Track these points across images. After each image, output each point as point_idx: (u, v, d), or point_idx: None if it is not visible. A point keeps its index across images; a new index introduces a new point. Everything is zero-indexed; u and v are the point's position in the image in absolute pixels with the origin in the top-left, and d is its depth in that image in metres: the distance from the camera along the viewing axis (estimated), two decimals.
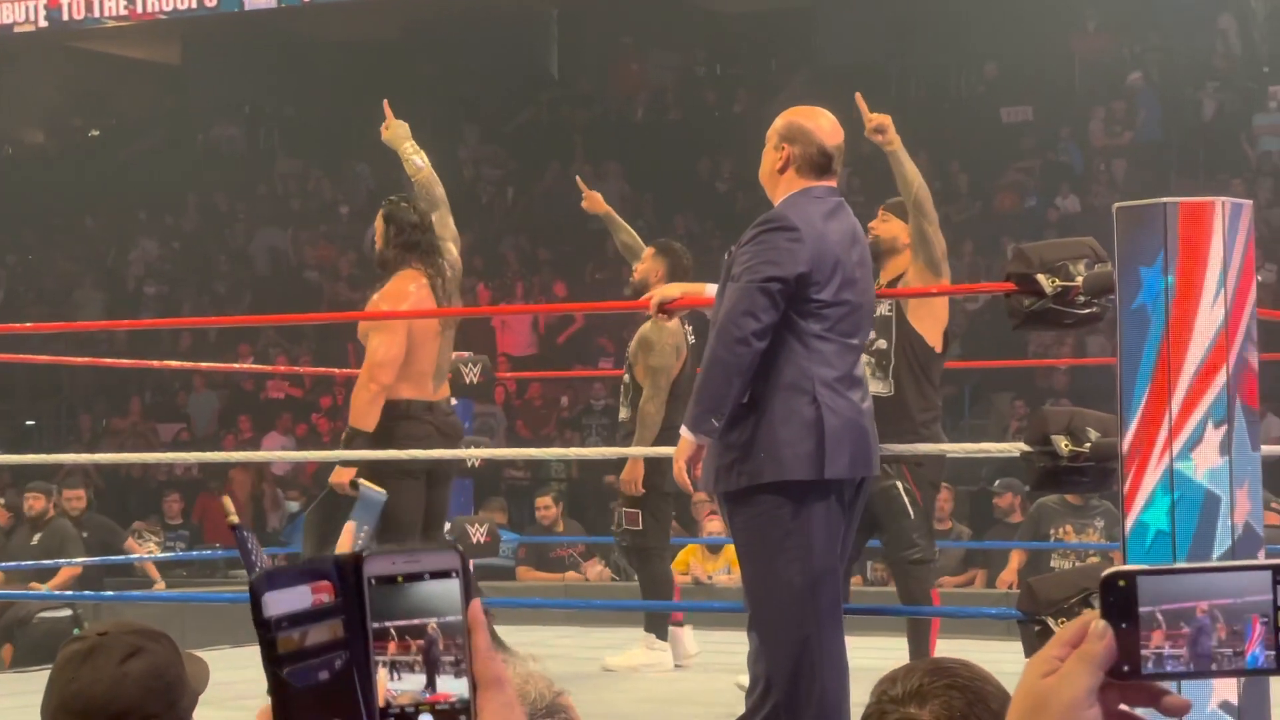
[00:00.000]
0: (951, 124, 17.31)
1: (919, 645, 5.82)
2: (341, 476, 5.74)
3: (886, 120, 5.37)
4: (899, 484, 5.68)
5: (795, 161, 4.25)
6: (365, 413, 5.73)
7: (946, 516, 10.30)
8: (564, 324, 16.18)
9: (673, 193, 17.71)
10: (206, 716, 2.41)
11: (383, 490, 5.69)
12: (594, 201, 7.16)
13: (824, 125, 4.28)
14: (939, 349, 5.72)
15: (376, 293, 5.96)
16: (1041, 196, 16.27)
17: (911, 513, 5.71)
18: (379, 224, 5.96)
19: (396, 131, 6.17)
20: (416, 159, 6.09)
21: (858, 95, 5.42)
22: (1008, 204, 16.52)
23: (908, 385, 5.64)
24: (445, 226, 6.07)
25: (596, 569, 10.66)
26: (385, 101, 6.22)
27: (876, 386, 5.55)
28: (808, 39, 19.62)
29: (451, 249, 6.05)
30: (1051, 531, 9.11)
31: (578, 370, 14.62)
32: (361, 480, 5.68)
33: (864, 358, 5.54)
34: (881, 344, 5.66)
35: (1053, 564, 8.99)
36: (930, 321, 5.67)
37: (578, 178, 7.47)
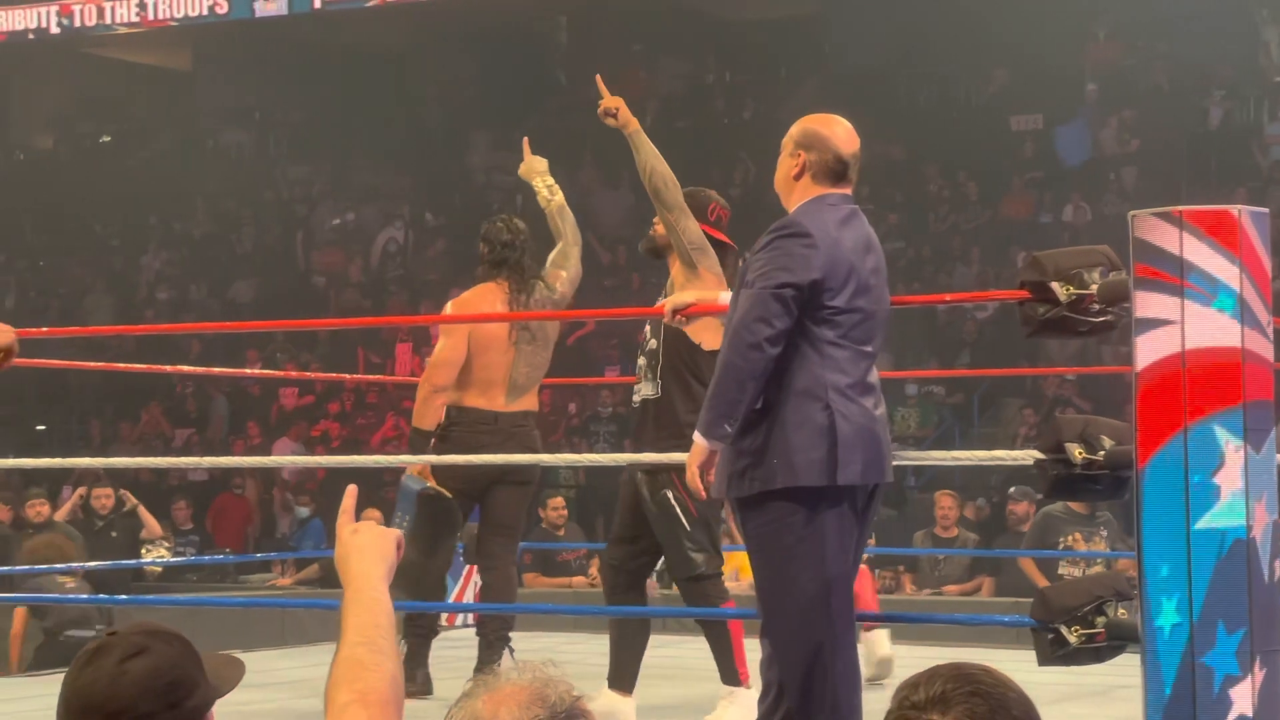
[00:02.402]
0: (961, 131, 17.31)
1: (723, 657, 5.41)
2: (415, 470, 6.02)
3: (618, 102, 5.29)
4: (669, 493, 5.36)
5: (811, 168, 4.25)
6: (420, 411, 6.00)
7: (953, 524, 10.30)
8: (571, 329, 16.18)
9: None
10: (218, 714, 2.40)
11: (421, 480, 5.90)
12: None
13: (840, 133, 4.28)
14: (706, 346, 5.32)
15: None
16: (1051, 204, 16.26)
17: (686, 524, 5.36)
18: (481, 243, 6.26)
19: (532, 166, 6.33)
20: (545, 192, 6.24)
21: (597, 77, 5.42)
22: (1016, 212, 16.51)
23: (673, 386, 5.35)
24: (566, 258, 6.30)
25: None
26: (525, 140, 6.34)
27: (647, 389, 5.42)
28: (818, 47, 19.63)
29: (562, 275, 6.23)
30: (1060, 540, 9.11)
31: (586, 378, 14.62)
32: (408, 471, 5.98)
33: (641, 359, 5.54)
34: (653, 344, 5.48)
35: (1060, 572, 9.01)
36: (702, 320, 5.25)
37: None
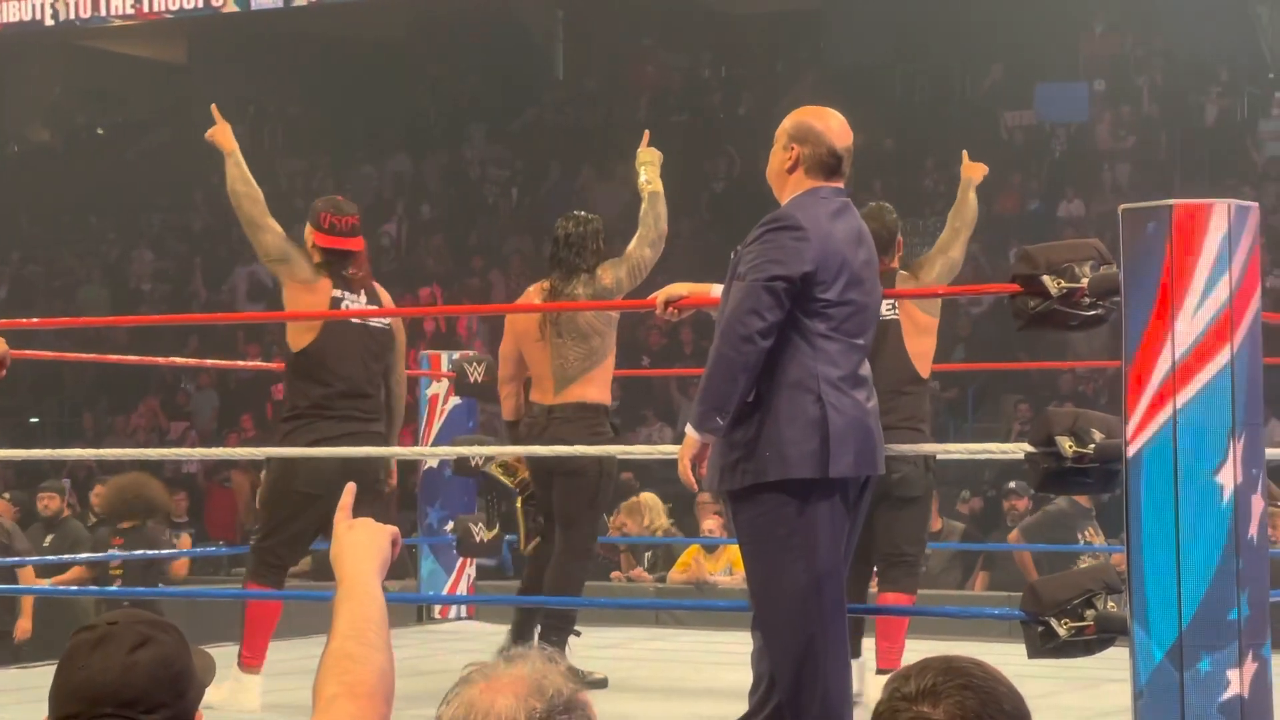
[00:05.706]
0: (957, 126, 17.31)
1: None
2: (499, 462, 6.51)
3: (217, 131, 5.75)
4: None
5: (804, 162, 4.25)
6: (502, 404, 6.46)
7: (935, 515, 10.25)
8: None
9: (677, 194, 17.65)
10: (208, 710, 2.41)
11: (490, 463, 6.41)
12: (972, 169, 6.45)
13: (834, 126, 4.28)
14: (294, 348, 5.82)
15: None
16: (1045, 200, 16.27)
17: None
18: None
19: (639, 156, 6.40)
20: (643, 178, 6.32)
21: (213, 106, 5.85)
22: (1011, 207, 16.52)
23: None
24: (628, 249, 6.28)
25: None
26: (646, 132, 6.42)
27: None
28: (814, 41, 19.63)
29: (608, 272, 6.20)
30: (1080, 537, 9.07)
31: None
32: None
33: None
34: None
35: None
36: (293, 324, 5.85)
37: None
